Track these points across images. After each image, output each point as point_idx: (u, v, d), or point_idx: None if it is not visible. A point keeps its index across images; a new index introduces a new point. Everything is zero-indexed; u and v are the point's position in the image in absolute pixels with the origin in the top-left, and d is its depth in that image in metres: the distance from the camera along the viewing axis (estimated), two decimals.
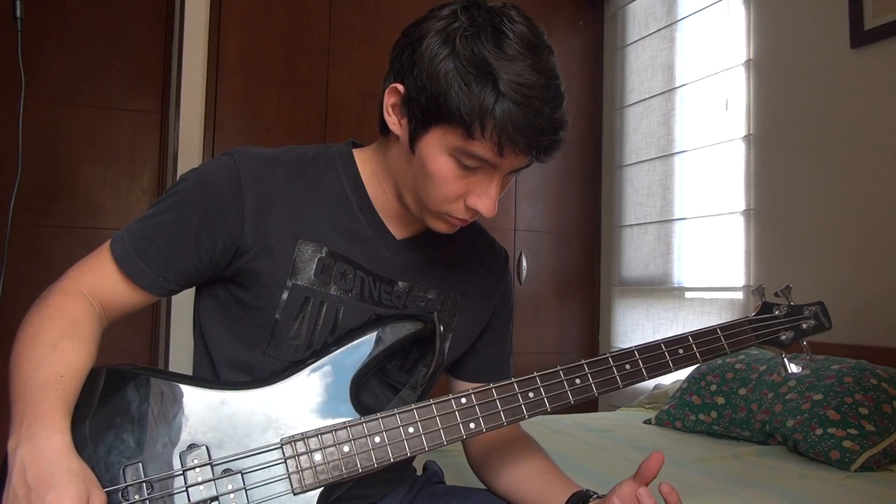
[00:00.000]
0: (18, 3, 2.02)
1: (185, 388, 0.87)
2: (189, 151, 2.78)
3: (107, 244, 0.93)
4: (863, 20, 2.23)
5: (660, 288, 3.08)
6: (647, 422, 2.26)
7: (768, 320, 1.05)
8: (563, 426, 2.15)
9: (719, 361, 2.19)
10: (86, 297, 0.90)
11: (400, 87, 0.88)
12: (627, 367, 0.95)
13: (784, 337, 1.05)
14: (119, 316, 0.95)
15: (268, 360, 0.94)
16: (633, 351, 0.96)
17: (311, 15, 3.00)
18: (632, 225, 3.29)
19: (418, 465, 1.14)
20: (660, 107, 3.16)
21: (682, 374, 2.41)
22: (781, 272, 2.47)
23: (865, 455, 1.64)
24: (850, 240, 2.27)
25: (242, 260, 0.93)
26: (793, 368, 1.05)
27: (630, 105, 3.34)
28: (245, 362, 0.95)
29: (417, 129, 0.87)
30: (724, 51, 2.79)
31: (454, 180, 0.87)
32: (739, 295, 2.66)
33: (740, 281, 2.65)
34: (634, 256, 3.26)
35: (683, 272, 2.97)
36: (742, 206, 2.67)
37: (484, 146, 0.83)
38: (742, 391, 2.04)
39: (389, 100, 0.90)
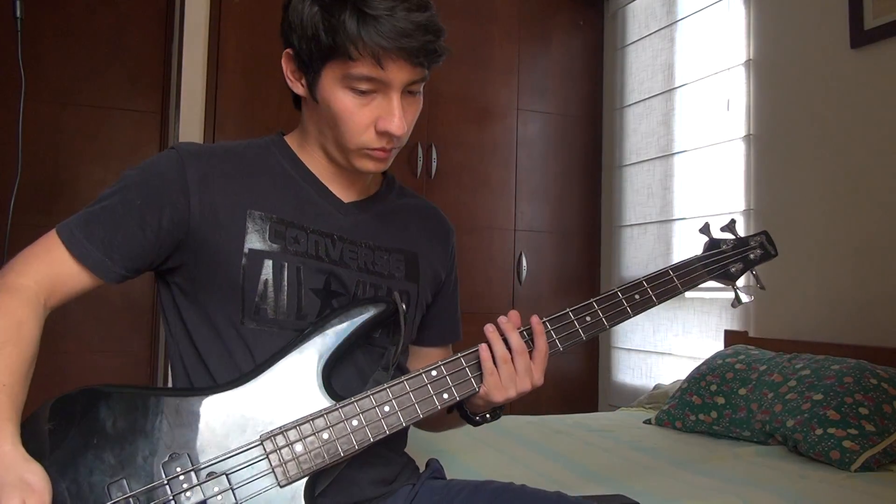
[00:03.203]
0: (18, 3, 2.01)
1: (157, 399, 0.87)
2: None
3: (52, 231, 0.94)
4: (863, 20, 2.23)
5: None
6: (648, 422, 2.26)
7: (717, 255, 1.11)
8: (564, 426, 2.15)
9: (719, 362, 2.19)
10: (31, 290, 0.89)
11: (290, 51, 0.99)
12: (588, 318, 0.99)
13: (734, 269, 1.12)
14: (65, 301, 0.95)
15: (247, 331, 0.95)
16: (591, 303, 1.00)
17: None
18: (632, 225, 3.29)
19: (421, 463, 1.15)
20: (659, 107, 3.15)
21: (682, 373, 2.41)
22: (781, 272, 2.47)
23: (865, 455, 1.64)
24: (850, 240, 2.27)
25: (196, 236, 0.95)
26: (744, 298, 1.12)
27: (630, 105, 3.34)
28: (229, 340, 0.96)
29: (313, 78, 0.96)
30: (724, 51, 2.79)
31: (357, 110, 0.94)
32: None
33: (740, 281, 2.64)
34: (634, 256, 3.26)
35: None
36: (742, 206, 2.67)
37: (364, 63, 0.91)
38: (742, 391, 2.04)
39: (287, 67, 1.01)
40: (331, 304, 0.99)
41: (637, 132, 3.29)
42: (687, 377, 2.26)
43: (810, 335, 2.27)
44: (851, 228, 2.27)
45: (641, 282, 1.03)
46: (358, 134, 0.96)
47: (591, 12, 3.53)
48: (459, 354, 0.95)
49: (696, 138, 2.93)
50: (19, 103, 2.01)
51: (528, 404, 2.54)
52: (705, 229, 1.12)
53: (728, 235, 1.12)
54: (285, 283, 0.96)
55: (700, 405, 2.10)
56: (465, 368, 0.94)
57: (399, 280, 1.06)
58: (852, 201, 2.27)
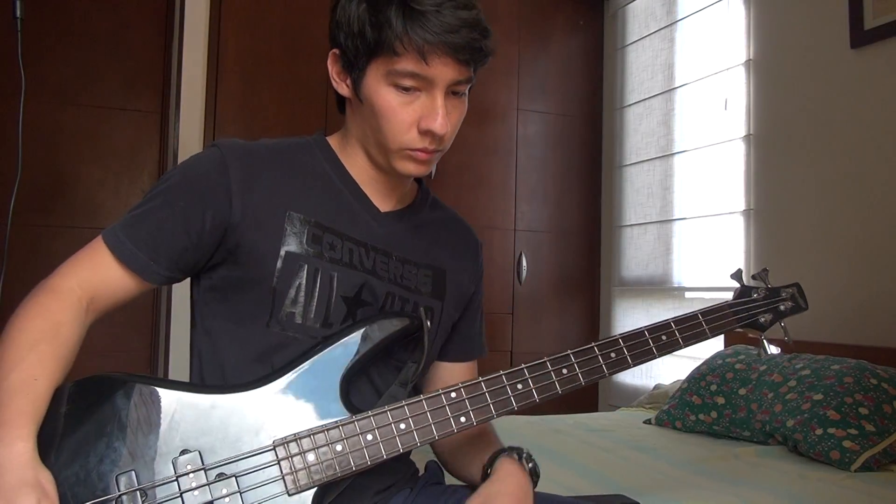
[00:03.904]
0: (18, 3, 2.01)
1: (174, 393, 0.86)
2: (189, 151, 2.77)
3: (98, 237, 0.95)
4: (863, 20, 2.23)
5: (660, 288, 3.08)
6: (648, 422, 2.26)
7: (747, 303, 1.08)
8: (564, 426, 2.14)
9: (719, 362, 2.19)
10: (74, 294, 0.90)
11: (336, 51, 0.98)
12: (612, 355, 0.97)
13: (763, 319, 1.08)
14: (111, 306, 0.95)
15: (271, 334, 0.95)
16: (617, 339, 0.98)
17: (310, 15, 3.00)
18: (632, 225, 3.29)
19: (420, 465, 1.14)
20: (659, 107, 3.16)
21: (682, 373, 2.41)
22: (781, 272, 2.46)
23: (865, 455, 1.64)
24: (849, 240, 2.27)
25: (235, 236, 0.94)
26: (772, 350, 1.09)
27: (630, 105, 3.35)
28: (250, 342, 0.95)
29: (358, 76, 0.96)
30: (723, 51, 2.79)
31: (401, 108, 0.94)
32: None
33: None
34: (634, 256, 3.26)
35: (683, 272, 2.97)
36: (742, 206, 2.67)
37: (409, 58, 0.91)
38: (742, 391, 2.04)
39: (333, 68, 1.00)
40: (355, 314, 0.98)
41: (637, 132, 3.29)
42: (687, 377, 2.26)
43: (810, 335, 2.27)
44: (851, 228, 2.27)
45: (669, 323, 1.01)
46: (401, 133, 0.95)
47: (591, 12, 3.53)
48: (480, 379, 0.93)
49: (696, 138, 2.93)
50: (19, 103, 2.01)
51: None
52: (737, 276, 1.10)
53: (759, 284, 1.10)
54: (317, 289, 0.95)
55: (700, 405, 2.10)
56: (484, 393, 0.92)
57: (425, 296, 1.05)
58: (852, 201, 2.27)
